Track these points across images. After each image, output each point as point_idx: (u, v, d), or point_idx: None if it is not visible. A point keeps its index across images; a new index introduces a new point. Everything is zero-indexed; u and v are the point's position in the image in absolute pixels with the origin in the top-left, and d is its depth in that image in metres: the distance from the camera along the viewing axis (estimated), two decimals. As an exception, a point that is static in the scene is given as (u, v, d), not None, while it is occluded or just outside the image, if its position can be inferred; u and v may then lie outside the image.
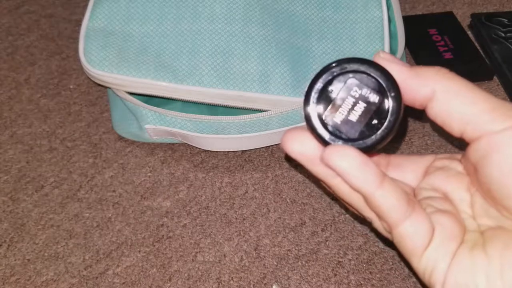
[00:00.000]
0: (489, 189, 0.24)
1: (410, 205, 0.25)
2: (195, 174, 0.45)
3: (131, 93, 0.43)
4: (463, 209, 0.27)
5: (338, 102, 0.26)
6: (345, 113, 0.26)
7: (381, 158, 0.31)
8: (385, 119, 0.25)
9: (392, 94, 0.25)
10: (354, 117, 0.25)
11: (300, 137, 0.26)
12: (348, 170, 0.24)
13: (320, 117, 0.26)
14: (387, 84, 0.25)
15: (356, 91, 0.25)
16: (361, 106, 0.25)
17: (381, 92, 0.25)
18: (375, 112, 0.25)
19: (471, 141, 0.24)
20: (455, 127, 0.24)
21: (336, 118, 0.26)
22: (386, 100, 0.25)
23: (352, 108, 0.26)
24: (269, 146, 0.46)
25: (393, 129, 0.25)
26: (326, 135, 0.26)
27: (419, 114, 0.48)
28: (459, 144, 0.46)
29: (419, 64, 0.53)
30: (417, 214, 0.25)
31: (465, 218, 0.27)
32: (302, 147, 0.26)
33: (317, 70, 0.42)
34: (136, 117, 0.43)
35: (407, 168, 0.30)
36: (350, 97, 0.26)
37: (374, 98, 0.25)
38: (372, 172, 0.24)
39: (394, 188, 0.25)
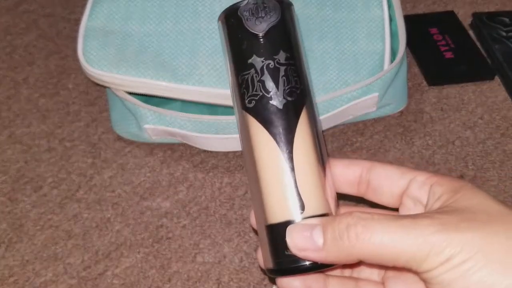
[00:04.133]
0: None
1: None
2: (195, 174, 0.44)
3: (130, 93, 0.43)
4: None
5: None
6: None
7: (364, 167, 0.29)
8: None
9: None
10: None
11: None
12: None
13: None
14: None
15: None
16: None
17: None
18: None
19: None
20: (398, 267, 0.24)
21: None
22: None
23: None
24: (269, 146, 0.46)
25: None
26: None
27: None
28: (460, 144, 0.46)
29: (420, 62, 0.53)
30: None
31: None
32: None
33: (317, 70, 0.42)
34: (135, 117, 0.43)
35: (384, 193, 0.29)
36: None
37: None
38: None
39: None
